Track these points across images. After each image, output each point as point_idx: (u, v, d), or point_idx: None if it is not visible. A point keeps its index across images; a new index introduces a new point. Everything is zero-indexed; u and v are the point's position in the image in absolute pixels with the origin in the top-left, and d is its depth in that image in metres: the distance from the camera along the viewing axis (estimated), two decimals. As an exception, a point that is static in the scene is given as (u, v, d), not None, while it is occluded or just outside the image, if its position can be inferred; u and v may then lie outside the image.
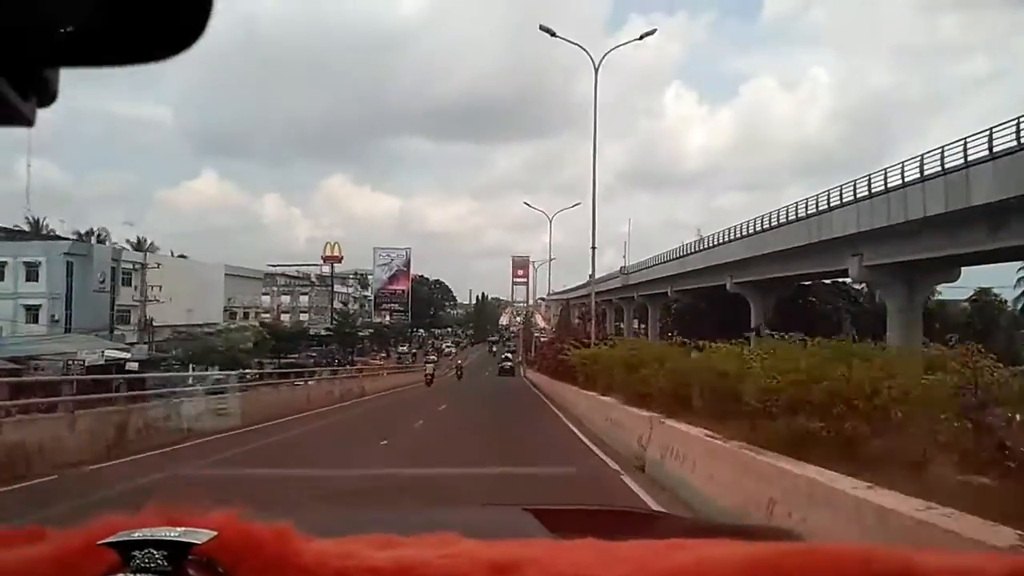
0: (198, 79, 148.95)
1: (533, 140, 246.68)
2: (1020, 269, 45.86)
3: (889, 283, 32.17)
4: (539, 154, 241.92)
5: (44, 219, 60.01)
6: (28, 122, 0.60)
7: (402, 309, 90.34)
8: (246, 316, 73.72)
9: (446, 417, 19.58)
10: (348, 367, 49.09)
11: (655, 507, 6.96)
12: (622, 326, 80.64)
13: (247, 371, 31.02)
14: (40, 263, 44.85)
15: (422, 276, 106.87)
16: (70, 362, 28.35)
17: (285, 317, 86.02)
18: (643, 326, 73.58)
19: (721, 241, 49.17)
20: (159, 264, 48.08)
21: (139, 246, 68.86)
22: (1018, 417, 4.99)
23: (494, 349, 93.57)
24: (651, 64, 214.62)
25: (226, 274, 72.52)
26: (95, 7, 0.56)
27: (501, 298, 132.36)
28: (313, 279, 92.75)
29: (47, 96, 0.61)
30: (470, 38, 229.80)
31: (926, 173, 27.70)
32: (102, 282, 46.80)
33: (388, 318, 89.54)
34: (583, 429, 14.98)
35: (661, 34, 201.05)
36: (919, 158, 28.46)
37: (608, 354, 16.05)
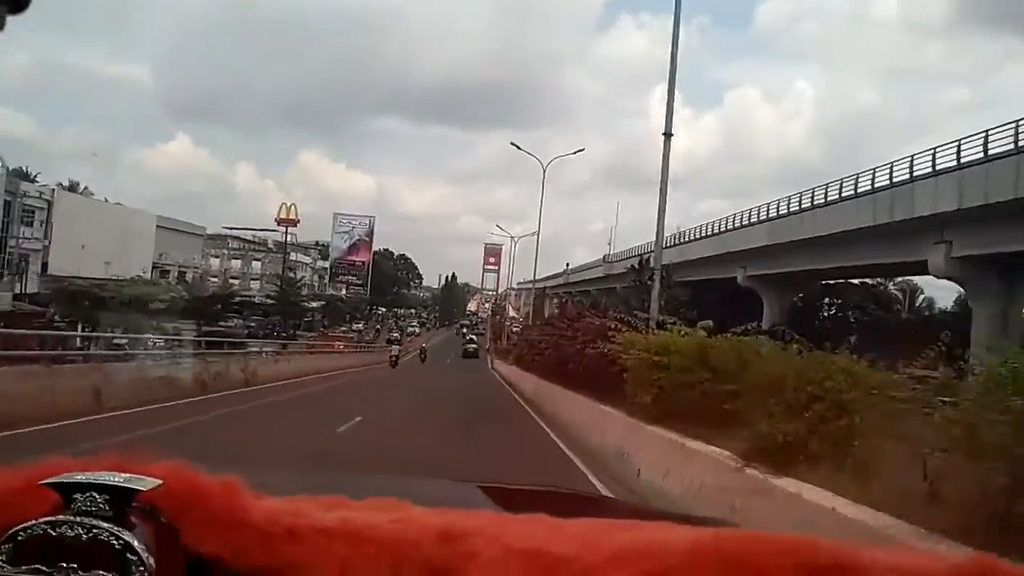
0: (177, 41, 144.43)
1: (513, 130, 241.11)
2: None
3: (981, 281, 24.73)
4: (519, 143, 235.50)
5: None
6: None
7: (360, 283, 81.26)
8: (182, 277, 64.87)
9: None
10: (283, 342, 40.88)
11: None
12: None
13: (139, 337, 23.18)
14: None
15: (386, 249, 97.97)
16: None
17: (235, 283, 78.46)
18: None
19: (737, 225, 41.67)
20: (50, 191, 38.66)
21: (72, 190, 60.01)
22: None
23: (465, 331, 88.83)
24: (638, 64, 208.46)
25: (160, 226, 63.57)
26: None
27: (471, 284, 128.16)
28: (271, 245, 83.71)
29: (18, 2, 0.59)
30: (455, 21, 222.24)
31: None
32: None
33: (345, 291, 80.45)
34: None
35: (650, 34, 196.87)
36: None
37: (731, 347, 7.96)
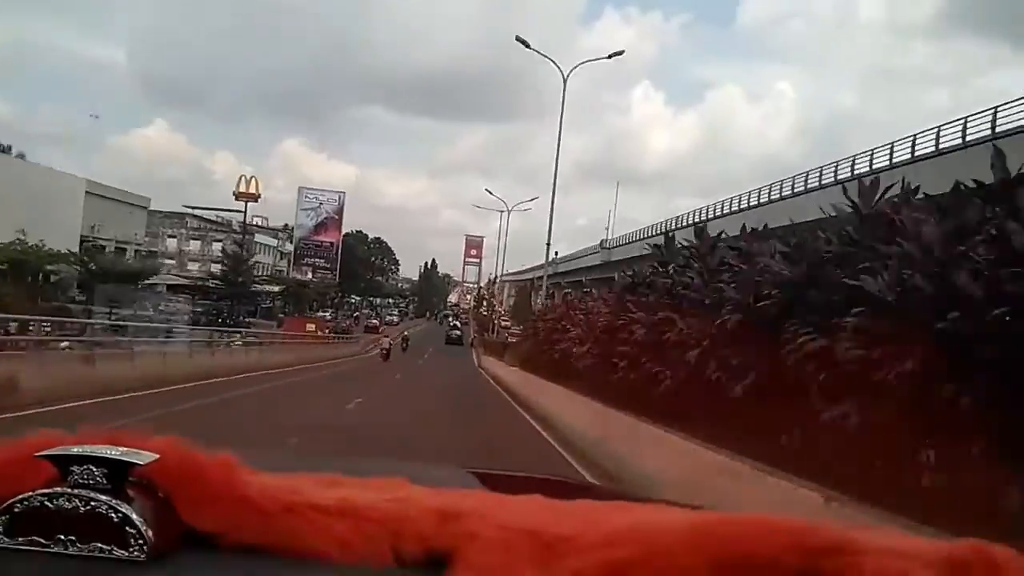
0: (155, 22, 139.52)
1: (496, 123, 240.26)
2: None
3: None
4: (500, 138, 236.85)
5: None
6: None
7: (328, 266, 72.95)
8: (121, 253, 56.62)
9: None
10: (230, 329, 33.25)
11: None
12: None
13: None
14: None
15: (359, 231, 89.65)
16: None
17: (193, 266, 70.32)
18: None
19: (772, 198, 34.52)
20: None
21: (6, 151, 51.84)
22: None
23: (449, 318, 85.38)
24: (621, 60, 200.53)
25: (92, 193, 55.21)
26: None
27: (452, 276, 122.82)
28: (235, 227, 75.25)
29: None
30: (440, 11, 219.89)
31: None
32: None
33: (311, 275, 72.16)
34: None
35: (633, 31, 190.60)
36: None
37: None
